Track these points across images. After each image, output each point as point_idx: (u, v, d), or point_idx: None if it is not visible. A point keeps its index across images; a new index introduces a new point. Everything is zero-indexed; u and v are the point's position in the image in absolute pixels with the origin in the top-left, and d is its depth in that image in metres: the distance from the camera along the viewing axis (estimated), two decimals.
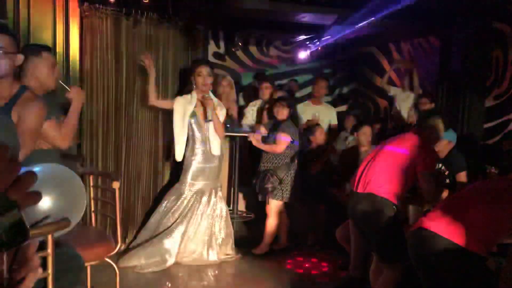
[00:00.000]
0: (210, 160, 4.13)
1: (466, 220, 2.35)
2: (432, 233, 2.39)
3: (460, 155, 3.93)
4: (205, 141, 4.12)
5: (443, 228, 2.37)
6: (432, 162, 3.07)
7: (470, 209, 2.39)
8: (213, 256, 4.06)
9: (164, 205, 4.07)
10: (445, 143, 3.89)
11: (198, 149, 4.11)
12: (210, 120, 4.03)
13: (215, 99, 4.16)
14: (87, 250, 2.09)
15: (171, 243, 3.89)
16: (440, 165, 3.85)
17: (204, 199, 4.09)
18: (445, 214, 2.45)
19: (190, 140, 4.14)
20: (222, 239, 4.16)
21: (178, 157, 4.11)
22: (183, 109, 4.06)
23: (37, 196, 0.66)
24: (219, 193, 4.24)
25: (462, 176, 3.83)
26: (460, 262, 2.33)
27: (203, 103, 4.06)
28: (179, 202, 4.04)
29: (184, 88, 4.33)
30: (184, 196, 4.06)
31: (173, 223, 3.97)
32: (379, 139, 4.31)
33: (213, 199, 4.13)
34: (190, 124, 4.11)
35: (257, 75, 6.17)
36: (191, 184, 4.09)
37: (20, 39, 3.54)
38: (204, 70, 4.03)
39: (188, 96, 4.11)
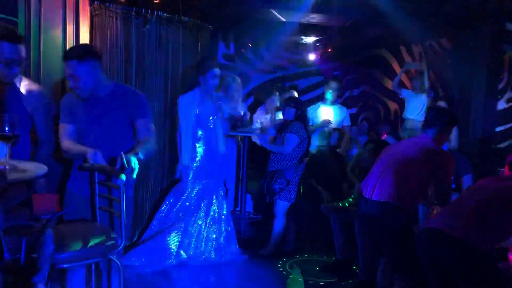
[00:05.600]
0: (213, 158, 4.10)
1: (474, 219, 2.32)
2: (441, 233, 2.35)
3: (464, 158, 3.85)
4: (210, 138, 4.09)
5: (452, 227, 2.33)
6: (451, 172, 2.98)
7: (478, 208, 2.35)
8: (219, 256, 4.04)
9: (166, 203, 4.03)
10: None
11: (201, 147, 4.08)
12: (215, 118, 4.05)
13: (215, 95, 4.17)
14: (91, 247, 2.09)
15: (173, 241, 3.86)
16: None
17: (207, 197, 4.05)
18: (453, 214, 2.42)
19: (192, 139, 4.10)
20: (225, 238, 4.12)
21: (187, 160, 4.05)
22: (187, 109, 4.02)
23: None
24: (221, 192, 4.20)
25: (467, 180, 3.75)
26: (469, 261, 2.29)
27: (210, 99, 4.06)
28: (181, 201, 4.00)
29: (183, 85, 4.27)
30: (186, 194, 4.02)
31: (175, 222, 3.94)
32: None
33: (215, 197, 4.09)
34: (194, 123, 4.06)
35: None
36: (193, 183, 4.04)
37: (31, 37, 3.58)
38: (217, 71, 4.03)
39: (191, 95, 4.07)
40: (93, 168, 2.35)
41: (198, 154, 4.08)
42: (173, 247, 3.86)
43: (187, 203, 4.01)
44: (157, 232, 3.92)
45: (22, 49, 2.32)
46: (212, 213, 4.07)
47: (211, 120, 4.09)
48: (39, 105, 2.51)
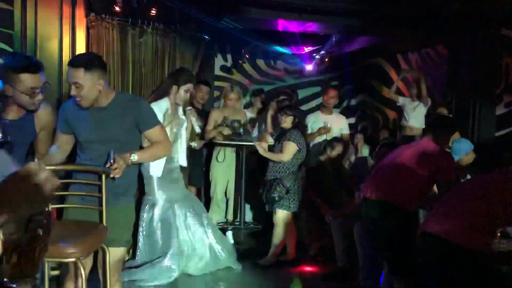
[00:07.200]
0: (174, 169, 3.93)
1: (465, 218, 2.29)
2: (435, 237, 2.33)
3: None
4: (174, 149, 3.87)
5: (446, 230, 2.30)
6: (452, 170, 2.98)
7: (468, 205, 2.33)
8: (216, 265, 3.97)
9: (142, 219, 3.84)
10: (471, 153, 3.76)
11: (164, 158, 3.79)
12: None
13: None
14: (83, 243, 2.10)
15: (170, 263, 3.75)
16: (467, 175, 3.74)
17: (177, 208, 3.86)
18: (445, 214, 2.40)
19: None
20: (218, 247, 4.01)
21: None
22: (160, 117, 3.66)
23: None
24: (194, 201, 4.09)
25: None
26: (464, 261, 2.26)
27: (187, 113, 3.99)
28: (155, 216, 3.83)
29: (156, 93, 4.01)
30: (156, 208, 3.84)
31: (163, 243, 3.81)
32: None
33: (187, 207, 3.92)
34: None
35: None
36: (160, 194, 3.84)
37: (27, 49, 3.59)
38: (191, 86, 3.83)
39: (161, 103, 3.77)
40: (75, 168, 2.40)
41: (161, 165, 3.80)
42: (172, 266, 3.78)
43: (163, 217, 3.83)
44: (153, 259, 3.81)
45: (42, 76, 2.31)
46: (191, 221, 3.90)
47: (175, 132, 3.88)
48: (47, 125, 2.55)
